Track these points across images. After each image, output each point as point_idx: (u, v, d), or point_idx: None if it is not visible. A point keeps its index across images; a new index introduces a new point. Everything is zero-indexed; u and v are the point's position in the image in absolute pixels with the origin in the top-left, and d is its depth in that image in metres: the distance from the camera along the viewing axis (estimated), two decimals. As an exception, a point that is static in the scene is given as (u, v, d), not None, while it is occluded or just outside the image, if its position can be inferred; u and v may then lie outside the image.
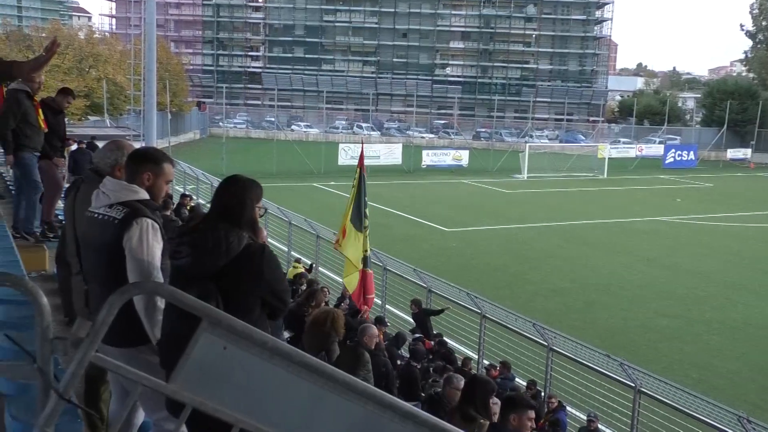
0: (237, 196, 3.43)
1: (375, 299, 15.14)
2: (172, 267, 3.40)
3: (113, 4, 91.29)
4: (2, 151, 8.66)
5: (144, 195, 3.80)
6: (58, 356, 2.11)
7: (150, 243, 3.62)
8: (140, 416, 4.10)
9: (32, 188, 8.61)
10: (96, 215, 3.78)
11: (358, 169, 14.44)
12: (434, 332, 14.44)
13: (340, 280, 18.75)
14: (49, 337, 2.08)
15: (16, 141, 8.26)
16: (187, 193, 23.14)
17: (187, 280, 3.18)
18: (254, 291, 3.30)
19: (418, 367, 10.80)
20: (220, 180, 3.73)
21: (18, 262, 6.93)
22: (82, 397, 4.46)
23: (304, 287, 13.36)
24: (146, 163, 3.87)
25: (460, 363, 13.03)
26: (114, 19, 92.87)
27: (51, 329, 2.08)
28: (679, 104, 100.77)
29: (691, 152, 63.44)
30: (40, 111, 8.60)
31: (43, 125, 8.53)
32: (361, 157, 15.09)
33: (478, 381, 5.95)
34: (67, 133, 10.86)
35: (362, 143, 16.07)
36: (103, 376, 4.52)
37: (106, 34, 74.87)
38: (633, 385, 11.17)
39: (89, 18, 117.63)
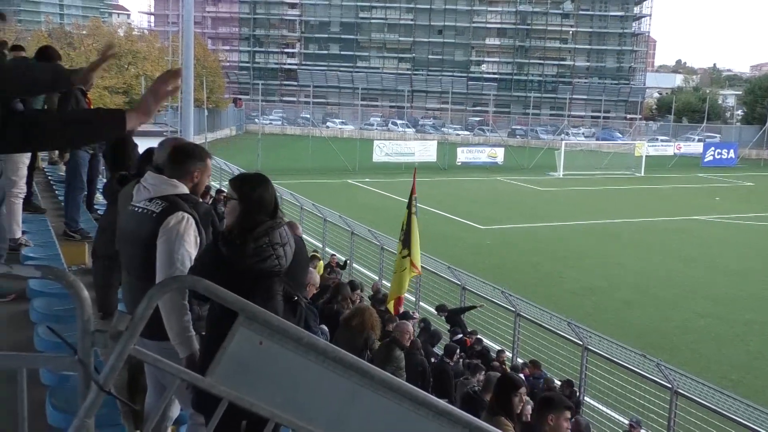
0: (275, 193, 3.52)
1: (409, 296, 16.01)
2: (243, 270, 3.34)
3: (152, 2, 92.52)
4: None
5: (184, 189, 3.85)
6: (97, 349, 2.14)
7: (183, 236, 3.66)
8: (176, 409, 4.15)
9: (77, 187, 8.73)
10: (136, 209, 3.86)
11: (414, 197, 15.11)
12: (469, 330, 14.39)
13: (375, 277, 18.82)
14: (89, 330, 2.11)
15: None
16: (222, 188, 23.34)
17: (265, 281, 3.25)
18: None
19: (451, 363, 10.76)
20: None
21: (59, 256, 7.06)
22: (125, 388, 4.53)
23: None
24: (196, 161, 3.94)
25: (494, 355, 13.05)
26: (152, 17, 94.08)
27: (92, 322, 2.11)
28: (719, 101, 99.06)
29: (731, 150, 62.33)
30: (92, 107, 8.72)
31: None
32: (414, 182, 15.42)
33: (501, 379, 5.92)
34: None
35: (415, 170, 16.37)
36: (143, 368, 4.59)
37: (145, 31, 75.78)
38: (670, 386, 11.03)
39: (128, 15, 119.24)
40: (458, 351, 11.37)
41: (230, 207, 3.46)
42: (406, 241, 14.80)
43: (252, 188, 3.44)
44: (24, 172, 7.13)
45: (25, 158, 7.14)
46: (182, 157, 3.94)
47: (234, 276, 3.04)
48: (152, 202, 3.80)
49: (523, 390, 5.75)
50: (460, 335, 13.46)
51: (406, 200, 15.27)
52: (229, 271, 3.11)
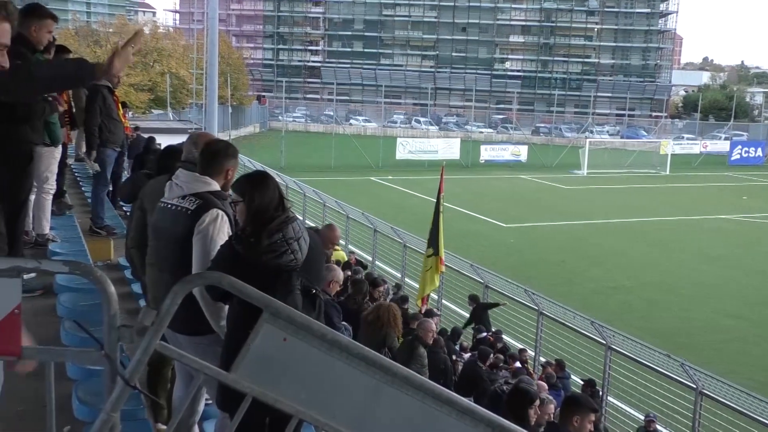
0: (278, 187, 3.56)
1: (432, 294, 16.11)
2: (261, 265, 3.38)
3: (177, 0, 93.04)
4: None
5: (216, 186, 3.89)
6: (122, 344, 2.16)
7: (218, 233, 3.70)
8: (203, 403, 4.19)
9: (102, 184, 8.82)
10: (169, 206, 3.89)
11: (441, 195, 15.18)
12: (492, 329, 14.36)
13: (398, 275, 18.84)
14: (116, 325, 2.13)
15: (100, 137, 8.43)
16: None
17: (282, 277, 3.28)
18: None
19: (483, 367, 10.68)
20: (278, 173, 3.78)
21: (85, 251, 7.14)
22: (145, 381, 4.57)
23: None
24: (229, 158, 3.99)
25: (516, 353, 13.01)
26: (178, 14, 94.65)
27: (118, 317, 2.13)
28: (747, 99, 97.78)
29: (759, 149, 61.52)
30: (120, 105, 8.79)
31: (123, 120, 8.69)
32: (441, 180, 15.45)
33: (517, 392, 5.86)
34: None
35: (443, 168, 16.34)
36: (165, 361, 4.63)
37: (170, 29, 76.38)
38: (694, 386, 10.92)
39: (154, 13, 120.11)
40: (491, 355, 11.27)
41: (239, 210, 3.52)
42: (432, 240, 14.93)
43: (252, 187, 3.48)
44: (55, 168, 7.22)
45: (57, 154, 7.22)
46: (216, 155, 3.97)
47: (251, 273, 3.05)
48: (185, 199, 3.84)
49: (537, 402, 5.71)
50: (484, 333, 13.43)
51: (430, 198, 15.35)
52: (245, 268, 3.13)
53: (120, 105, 9.16)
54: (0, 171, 4.77)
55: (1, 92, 3.27)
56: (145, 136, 15.12)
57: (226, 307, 3.57)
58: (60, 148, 7.31)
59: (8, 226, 4.61)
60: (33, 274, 5.26)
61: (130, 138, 13.33)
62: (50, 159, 7.08)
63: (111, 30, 56.36)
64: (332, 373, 2.33)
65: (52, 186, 7.25)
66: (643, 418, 11.67)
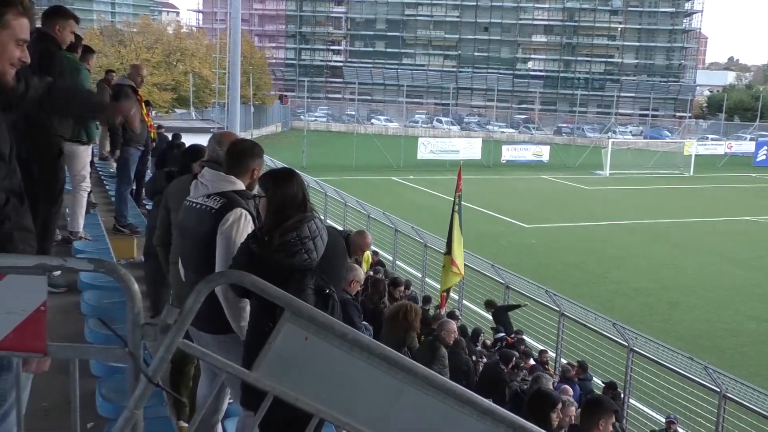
0: (303, 186, 3.56)
1: (453, 294, 16.19)
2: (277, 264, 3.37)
3: (200, 0, 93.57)
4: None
5: (240, 186, 3.91)
6: (146, 341, 2.18)
7: (241, 233, 3.72)
8: (226, 402, 4.22)
9: (125, 183, 8.91)
10: (194, 205, 3.92)
11: (457, 194, 15.23)
12: (514, 329, 14.30)
13: (419, 275, 18.83)
14: (139, 323, 2.15)
15: (124, 136, 8.52)
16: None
17: (296, 275, 3.28)
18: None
19: (506, 370, 10.64)
20: (300, 172, 3.78)
21: (108, 250, 7.21)
22: (168, 379, 4.60)
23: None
24: (255, 157, 4.02)
25: (536, 354, 12.96)
26: (201, 14, 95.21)
27: (142, 315, 2.15)
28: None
29: (786, 150, 60.78)
30: (143, 104, 8.87)
31: (147, 119, 8.78)
32: (459, 179, 15.48)
33: (538, 395, 5.81)
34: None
35: (460, 167, 16.38)
36: (188, 360, 4.66)
37: (193, 29, 76.81)
38: (718, 389, 10.81)
39: (177, 13, 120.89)
40: (514, 359, 11.23)
41: (261, 205, 3.53)
42: (448, 240, 15.00)
43: (276, 184, 3.48)
44: (89, 167, 7.31)
45: (90, 152, 7.32)
46: (242, 154, 3.99)
47: (266, 273, 3.07)
48: (210, 198, 3.86)
49: (560, 406, 5.67)
50: (502, 334, 13.39)
51: (451, 198, 15.36)
52: (261, 267, 3.14)
53: (143, 104, 9.24)
54: (32, 167, 4.82)
55: (32, 107, 3.34)
56: (168, 135, 15.24)
57: (248, 307, 3.59)
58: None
59: (42, 224, 4.66)
60: (58, 272, 5.32)
61: (153, 138, 13.43)
62: (86, 157, 7.18)
63: (135, 30, 56.77)
64: (353, 373, 2.34)
65: (88, 184, 7.36)
66: (664, 421, 11.58)
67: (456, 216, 15.03)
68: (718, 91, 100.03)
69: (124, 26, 62.36)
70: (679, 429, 11.40)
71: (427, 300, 14.73)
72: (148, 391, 2.09)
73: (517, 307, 15.21)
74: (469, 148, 51.34)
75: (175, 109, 50.85)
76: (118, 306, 5.02)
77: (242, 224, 3.76)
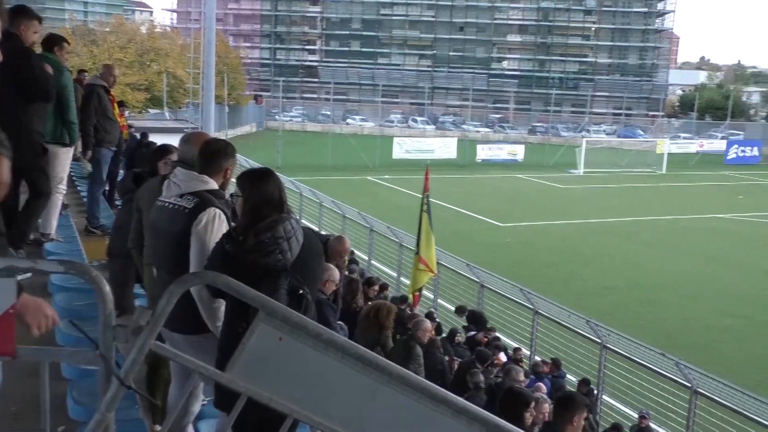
0: (281, 185, 3.54)
1: (428, 293, 16.28)
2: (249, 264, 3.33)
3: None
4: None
5: (214, 185, 3.90)
6: (117, 343, 2.17)
7: (216, 232, 3.70)
8: (198, 405, 4.18)
9: (97, 184, 8.82)
10: (167, 204, 3.89)
11: (425, 195, 15.24)
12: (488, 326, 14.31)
13: (394, 274, 18.85)
14: (111, 325, 2.13)
15: (96, 136, 8.42)
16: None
17: (271, 276, 3.26)
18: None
19: (480, 369, 10.68)
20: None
21: (80, 251, 7.13)
22: (143, 382, 4.57)
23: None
24: (229, 157, 4.01)
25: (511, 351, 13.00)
26: (175, 14, 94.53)
27: (113, 317, 2.13)
28: (744, 98, 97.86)
29: (755, 148, 61.61)
30: (115, 105, 8.78)
31: (120, 119, 8.70)
32: (427, 179, 15.50)
33: (512, 394, 5.83)
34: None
35: (427, 168, 16.44)
36: (163, 361, 4.63)
37: (167, 28, 76.24)
38: (689, 385, 10.93)
39: (151, 12, 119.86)
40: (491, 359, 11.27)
41: (238, 204, 3.51)
42: (418, 240, 15.07)
43: (253, 183, 3.47)
44: (68, 170, 7.24)
45: (71, 154, 7.25)
46: (216, 154, 3.98)
47: (241, 272, 3.06)
48: (183, 197, 3.84)
49: (533, 404, 5.69)
50: (474, 332, 13.42)
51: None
52: (235, 268, 3.12)
53: (116, 104, 9.16)
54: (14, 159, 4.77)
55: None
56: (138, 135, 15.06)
57: (223, 307, 3.57)
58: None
59: (21, 220, 4.61)
60: (29, 275, 5.26)
61: (126, 138, 13.31)
62: (66, 160, 7.11)
63: (108, 29, 56.19)
64: (328, 373, 2.34)
65: (65, 187, 7.28)
66: (637, 416, 11.69)
67: (425, 216, 15.08)
68: (690, 90, 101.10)
69: (96, 26, 61.68)
70: (651, 424, 11.52)
71: (403, 299, 14.72)
72: (119, 393, 2.08)
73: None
74: (444, 147, 51.49)
75: (149, 110, 50.37)
76: (90, 308, 4.97)
77: (216, 224, 3.74)
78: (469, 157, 50.98)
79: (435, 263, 15.35)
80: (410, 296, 14.84)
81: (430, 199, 15.76)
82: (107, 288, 2.12)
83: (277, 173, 3.63)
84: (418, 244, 15.12)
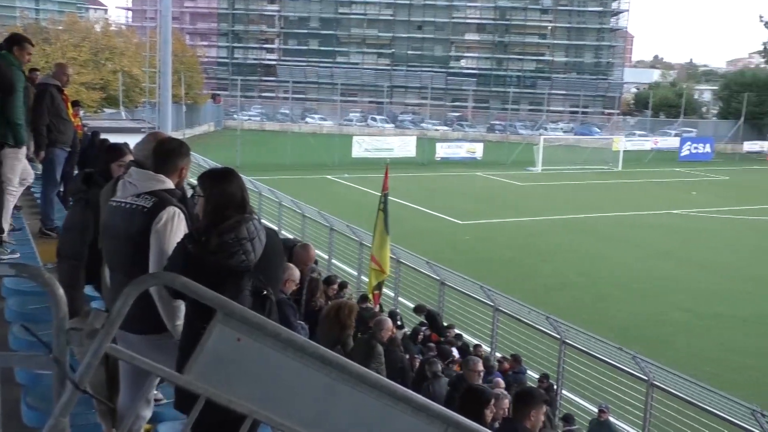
0: (244, 185, 3.51)
1: (388, 291, 16.29)
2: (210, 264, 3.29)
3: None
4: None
5: (170, 184, 3.86)
6: (72, 347, 2.13)
7: (176, 231, 3.66)
8: (149, 410, 4.10)
9: (51, 185, 8.65)
10: (123, 204, 3.83)
11: (383, 194, 15.19)
12: (446, 324, 14.39)
13: (355, 273, 18.84)
14: (65, 328, 2.10)
15: (49, 136, 8.25)
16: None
17: (234, 277, 3.22)
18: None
19: (441, 366, 10.73)
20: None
21: (34, 253, 7.01)
22: (103, 386, 4.49)
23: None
24: (184, 156, 3.98)
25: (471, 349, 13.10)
26: (130, 12, 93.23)
27: (67, 320, 2.10)
28: (696, 96, 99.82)
29: (708, 145, 62.99)
30: (69, 104, 8.63)
31: (74, 119, 8.54)
32: (386, 178, 15.49)
33: (472, 392, 5.84)
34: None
35: (387, 166, 16.43)
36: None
37: (122, 26, 75.11)
38: (646, 378, 11.14)
39: (105, 11, 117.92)
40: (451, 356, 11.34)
41: (199, 204, 3.48)
42: (373, 239, 15.03)
43: (213, 183, 3.44)
44: (19, 170, 7.08)
45: (21, 155, 7.09)
46: (171, 153, 3.95)
47: (203, 273, 3.03)
48: (140, 197, 3.78)
49: (493, 401, 5.71)
50: (424, 329, 13.47)
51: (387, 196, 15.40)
52: (198, 268, 3.09)
53: (70, 104, 8.99)
54: None
55: None
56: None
57: (183, 306, 3.52)
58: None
59: None
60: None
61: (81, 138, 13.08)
62: (14, 160, 6.95)
63: (61, 27, 55.13)
64: (287, 373, 2.33)
65: (15, 187, 7.12)
66: (596, 410, 11.87)
67: (381, 215, 15.04)
68: (644, 88, 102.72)
69: (49, 24, 60.47)
70: (611, 418, 11.70)
71: (364, 298, 14.74)
72: (74, 397, 2.05)
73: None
74: (403, 146, 51.63)
75: (105, 109, 49.54)
76: (43, 311, 4.88)
77: (176, 223, 3.70)
78: (428, 155, 51.19)
79: (387, 263, 15.29)
80: (369, 295, 14.83)
81: (390, 198, 15.75)
82: (60, 291, 2.09)
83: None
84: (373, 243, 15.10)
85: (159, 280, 2.56)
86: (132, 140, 5.07)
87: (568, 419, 11.98)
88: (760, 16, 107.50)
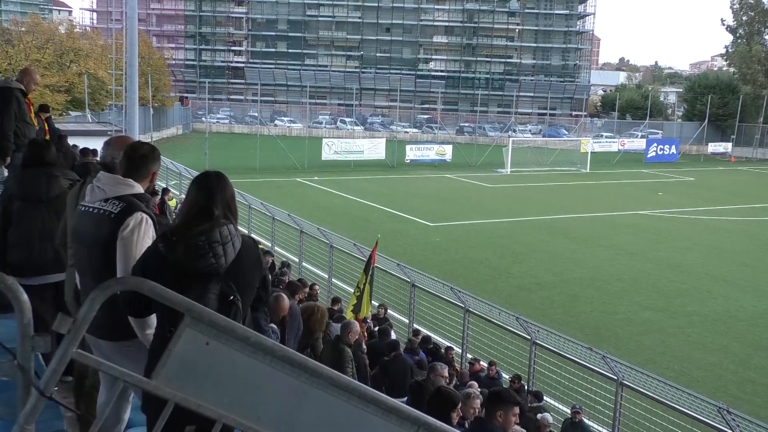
0: (230, 190, 3.47)
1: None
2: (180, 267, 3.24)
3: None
4: None
5: (139, 189, 3.82)
6: (38, 353, 2.09)
7: (143, 237, 3.63)
8: (128, 411, 4.08)
9: None
10: (91, 209, 3.78)
11: (372, 266, 14.95)
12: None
13: (325, 275, 18.80)
14: (29, 334, 2.06)
15: (15, 142, 8.10)
16: (168, 187, 23.07)
17: (203, 279, 3.18)
18: (257, 281, 3.41)
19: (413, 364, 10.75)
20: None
21: (-2, 259, 6.87)
22: (70, 392, 4.43)
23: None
24: (156, 161, 3.96)
25: (442, 351, 13.13)
26: (95, 14, 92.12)
27: (31, 326, 2.06)
28: (661, 99, 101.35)
29: (673, 146, 63.96)
30: (31, 108, 8.50)
31: (35, 123, 8.41)
32: (374, 252, 15.27)
33: (440, 395, 5.85)
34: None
35: (377, 242, 16.26)
36: (91, 370, 4.49)
37: (87, 28, 74.26)
38: (615, 377, 11.25)
39: (70, 12, 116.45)
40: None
41: (181, 205, 3.47)
42: (357, 304, 14.61)
43: (196, 185, 3.42)
44: None
45: None
46: (143, 158, 3.91)
47: (174, 276, 2.99)
48: (108, 202, 3.74)
49: (460, 405, 5.74)
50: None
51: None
52: (168, 271, 3.06)
53: (39, 107, 8.85)
54: None
55: None
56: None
57: (153, 315, 3.48)
58: None
59: None
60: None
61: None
62: None
63: (23, 29, 54.31)
64: (256, 376, 2.31)
65: None
66: (568, 410, 11.95)
67: (367, 287, 14.73)
68: (610, 90, 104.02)
69: (11, 25, 59.56)
70: (584, 419, 11.78)
71: (335, 301, 14.71)
72: (39, 404, 2.01)
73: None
74: (373, 148, 51.67)
75: (70, 112, 48.89)
76: (7, 318, 4.79)
77: (143, 228, 3.67)
78: (398, 157, 51.29)
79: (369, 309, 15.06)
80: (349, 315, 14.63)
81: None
82: (24, 296, 2.05)
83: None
84: (358, 306, 14.66)
85: (125, 285, 2.53)
86: (99, 144, 5.01)
87: (538, 395, 12.07)
88: (722, 20, 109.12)
